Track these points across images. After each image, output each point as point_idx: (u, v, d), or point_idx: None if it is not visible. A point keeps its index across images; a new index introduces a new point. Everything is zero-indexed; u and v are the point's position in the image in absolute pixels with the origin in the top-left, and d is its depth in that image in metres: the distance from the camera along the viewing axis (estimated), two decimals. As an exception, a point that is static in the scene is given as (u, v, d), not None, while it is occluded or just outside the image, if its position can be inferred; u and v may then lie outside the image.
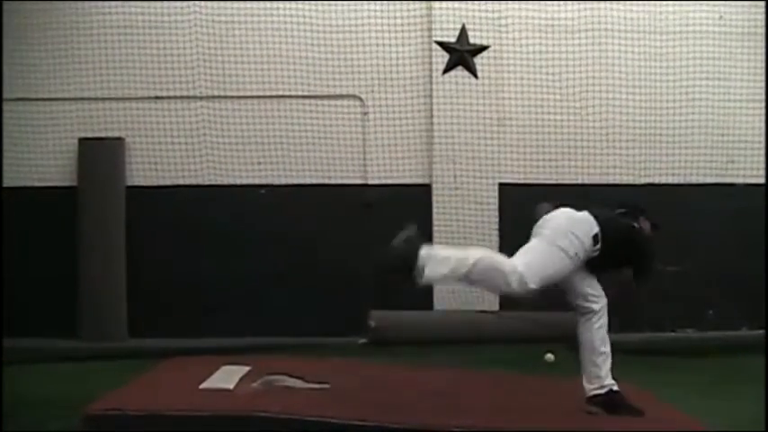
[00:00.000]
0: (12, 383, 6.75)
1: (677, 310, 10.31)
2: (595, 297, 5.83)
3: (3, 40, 9.80)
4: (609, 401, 5.75)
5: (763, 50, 10.23)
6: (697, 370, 8.22)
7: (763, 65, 10.26)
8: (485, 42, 10.27)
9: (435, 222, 10.32)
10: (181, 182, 10.34)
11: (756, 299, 9.92)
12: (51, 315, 9.87)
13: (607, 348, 5.81)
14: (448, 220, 10.32)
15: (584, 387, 5.82)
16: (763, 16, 10.20)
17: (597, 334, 5.80)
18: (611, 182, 10.30)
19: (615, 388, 5.78)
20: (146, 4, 10.29)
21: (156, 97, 10.35)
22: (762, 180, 10.26)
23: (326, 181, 10.41)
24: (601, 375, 5.77)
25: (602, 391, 5.76)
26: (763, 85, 10.25)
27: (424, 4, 10.33)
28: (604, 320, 5.82)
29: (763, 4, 10.15)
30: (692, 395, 6.79)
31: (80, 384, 7.17)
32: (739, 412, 6.30)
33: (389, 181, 10.39)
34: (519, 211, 10.05)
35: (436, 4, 10.27)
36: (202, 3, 10.32)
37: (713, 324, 10.29)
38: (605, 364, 5.78)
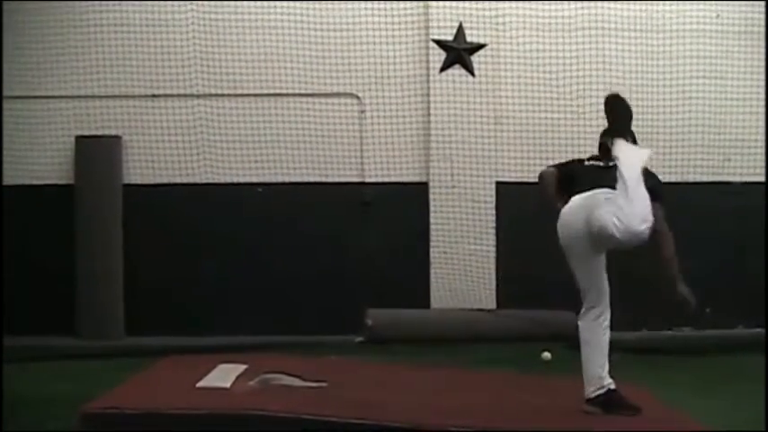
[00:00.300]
0: (10, 382, 6.75)
1: (674, 309, 10.29)
2: (605, 295, 5.85)
3: (2, 39, 9.78)
4: (607, 401, 5.75)
5: (759, 49, 10.24)
6: (694, 368, 8.22)
7: (759, 63, 10.27)
8: (482, 41, 10.27)
9: (432, 220, 10.32)
10: (178, 180, 10.33)
11: (753, 297, 9.93)
12: (48, 313, 9.86)
13: None
14: (445, 218, 10.32)
15: (585, 388, 5.82)
16: (759, 15, 10.21)
17: (605, 335, 5.81)
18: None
19: (613, 387, 5.78)
20: (142, 2, 10.28)
21: (153, 95, 10.33)
22: (758, 178, 10.27)
23: (324, 179, 10.41)
24: (602, 376, 5.78)
25: (602, 392, 5.76)
26: (758, 83, 10.26)
27: (421, 3, 10.31)
28: (608, 322, 5.84)
29: (759, 2, 10.15)
30: (689, 394, 6.80)
31: (78, 383, 7.17)
32: (736, 411, 6.31)
33: (387, 179, 10.39)
34: (516, 209, 10.16)
35: (433, 3, 10.25)
36: (199, 1, 10.31)
37: (710, 322, 10.28)
38: (606, 365, 5.79)
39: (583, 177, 6.02)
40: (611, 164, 6.02)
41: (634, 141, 6.05)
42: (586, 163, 6.16)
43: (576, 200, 5.84)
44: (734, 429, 5.78)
